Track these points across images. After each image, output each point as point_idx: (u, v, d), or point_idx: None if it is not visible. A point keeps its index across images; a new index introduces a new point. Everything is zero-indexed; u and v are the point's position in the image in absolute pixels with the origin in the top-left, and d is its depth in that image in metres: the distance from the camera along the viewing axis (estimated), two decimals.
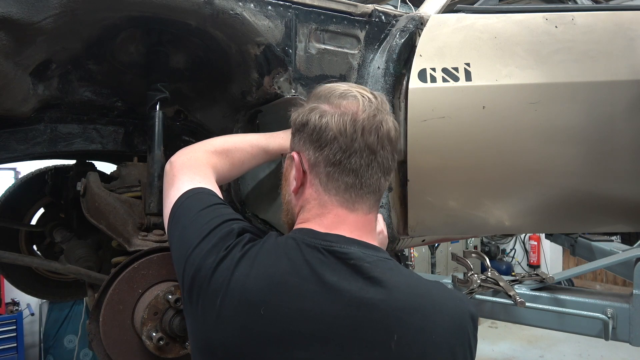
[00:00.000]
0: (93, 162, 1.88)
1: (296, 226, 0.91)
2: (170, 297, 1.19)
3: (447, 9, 1.83)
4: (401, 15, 1.72)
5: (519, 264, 7.57)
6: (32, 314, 4.25)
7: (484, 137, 1.66)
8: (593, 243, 2.87)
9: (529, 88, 1.66)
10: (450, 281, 1.96)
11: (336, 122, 0.84)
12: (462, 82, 1.62)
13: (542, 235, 6.63)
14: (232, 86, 1.65)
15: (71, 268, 1.53)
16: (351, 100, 0.87)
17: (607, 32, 1.75)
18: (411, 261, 5.56)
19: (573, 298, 1.76)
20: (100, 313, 1.19)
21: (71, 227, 1.86)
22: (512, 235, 7.43)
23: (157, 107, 1.45)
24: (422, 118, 1.61)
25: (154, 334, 1.17)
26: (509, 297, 1.73)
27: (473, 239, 6.40)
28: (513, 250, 7.66)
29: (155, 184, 1.42)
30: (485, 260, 2.02)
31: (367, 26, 1.64)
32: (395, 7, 2.75)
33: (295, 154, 0.88)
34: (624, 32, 1.75)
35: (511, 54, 1.67)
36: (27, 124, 1.46)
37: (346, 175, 0.85)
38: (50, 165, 2.15)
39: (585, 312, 1.68)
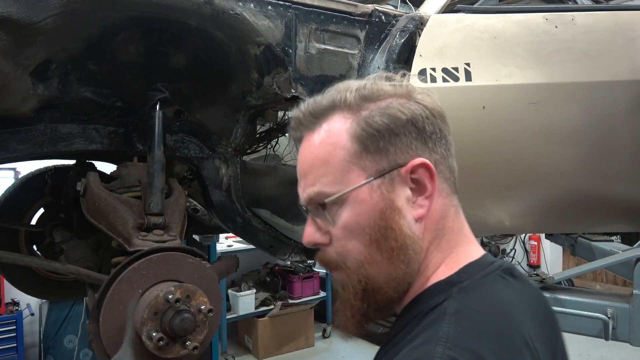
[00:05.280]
0: (93, 162, 1.88)
1: (449, 269, 0.64)
2: (170, 297, 1.19)
3: (447, 9, 1.83)
4: (401, 15, 1.72)
5: (519, 264, 7.56)
6: (32, 314, 4.24)
7: (484, 137, 1.66)
8: (593, 243, 2.87)
9: (529, 88, 1.66)
10: None
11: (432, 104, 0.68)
12: (462, 82, 1.62)
13: (542, 235, 6.62)
14: (232, 86, 1.65)
15: (71, 268, 1.53)
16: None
17: (607, 32, 1.75)
18: None
19: (573, 298, 1.75)
20: (100, 313, 1.19)
21: (71, 227, 1.85)
22: (512, 236, 7.43)
23: (157, 107, 1.45)
24: None
25: (154, 334, 1.16)
26: None
27: None
28: (513, 250, 7.66)
29: (155, 184, 1.42)
30: None
31: (367, 26, 1.64)
32: (395, 7, 2.75)
33: (423, 160, 0.64)
34: (624, 32, 1.75)
35: (511, 54, 1.67)
36: (27, 124, 1.46)
37: (452, 159, 0.72)
38: (50, 165, 2.15)
39: (585, 312, 1.68)
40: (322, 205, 0.65)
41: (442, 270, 0.65)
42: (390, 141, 0.63)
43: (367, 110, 0.65)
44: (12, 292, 4.09)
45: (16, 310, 4.13)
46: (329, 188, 0.64)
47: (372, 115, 0.64)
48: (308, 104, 0.69)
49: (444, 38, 1.67)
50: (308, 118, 0.68)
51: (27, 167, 2.20)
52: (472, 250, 0.68)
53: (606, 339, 1.68)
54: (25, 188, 2.18)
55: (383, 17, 1.67)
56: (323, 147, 0.65)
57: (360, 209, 0.63)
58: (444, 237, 0.66)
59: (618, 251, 2.43)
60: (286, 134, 2.53)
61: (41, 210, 2.20)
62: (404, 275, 0.64)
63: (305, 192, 0.67)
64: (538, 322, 0.63)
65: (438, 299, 0.60)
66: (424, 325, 0.58)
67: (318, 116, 0.67)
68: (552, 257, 7.17)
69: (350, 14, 1.60)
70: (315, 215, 0.68)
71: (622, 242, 2.90)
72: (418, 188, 0.64)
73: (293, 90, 1.49)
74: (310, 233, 0.69)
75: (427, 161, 0.64)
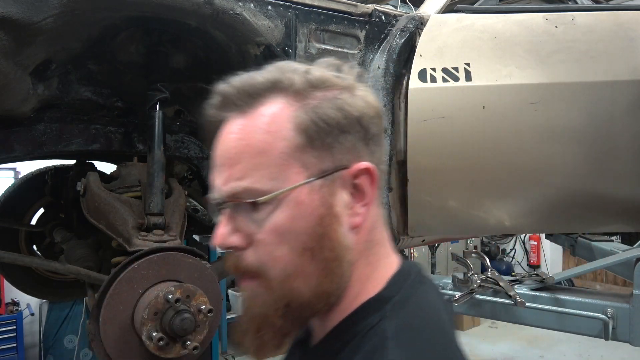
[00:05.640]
0: (93, 162, 1.88)
1: (378, 283, 0.59)
2: (170, 297, 1.19)
3: (447, 9, 1.83)
4: (401, 16, 1.72)
5: (519, 264, 7.56)
6: (32, 314, 4.25)
7: (484, 137, 1.66)
8: (593, 243, 2.87)
9: (529, 88, 1.66)
10: (450, 281, 1.96)
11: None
12: (462, 82, 1.62)
13: (542, 235, 6.62)
14: None
15: (71, 268, 1.53)
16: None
17: (607, 32, 1.75)
18: None
19: (573, 298, 1.75)
20: (100, 313, 1.19)
21: (71, 227, 1.86)
22: (512, 236, 7.43)
23: (157, 107, 1.45)
24: (422, 118, 1.61)
25: (154, 334, 1.16)
26: (509, 297, 1.73)
27: (473, 239, 6.40)
28: (513, 250, 7.66)
29: (155, 184, 1.42)
30: (485, 260, 2.02)
31: (367, 26, 1.64)
32: (395, 7, 2.75)
33: (368, 165, 0.57)
34: (624, 32, 1.75)
35: (511, 54, 1.67)
36: (27, 124, 1.46)
37: (384, 164, 0.66)
38: (50, 165, 2.15)
39: (585, 312, 1.68)
40: (251, 204, 0.54)
41: (372, 285, 0.59)
42: (338, 139, 0.56)
43: (315, 100, 0.56)
44: (12, 292, 4.09)
45: (16, 310, 4.13)
46: (263, 184, 0.54)
47: (322, 105, 0.56)
48: (242, 79, 0.57)
49: (444, 38, 1.67)
50: (241, 96, 0.56)
51: (27, 167, 2.20)
52: (394, 261, 0.63)
53: (606, 339, 1.67)
54: (25, 188, 2.18)
55: (383, 17, 1.67)
56: (259, 134, 0.54)
57: (297, 212, 0.54)
58: (372, 250, 0.60)
59: (618, 251, 2.43)
60: None
61: (41, 210, 2.20)
62: (336, 290, 0.57)
63: (227, 185, 0.55)
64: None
65: (373, 319, 0.55)
66: (366, 351, 0.53)
67: (255, 96, 0.56)
68: (552, 257, 7.17)
69: (350, 14, 1.60)
70: (236, 214, 0.56)
71: (622, 242, 2.90)
72: (357, 194, 0.57)
73: None
74: (225, 234, 0.57)
75: (372, 166, 0.57)
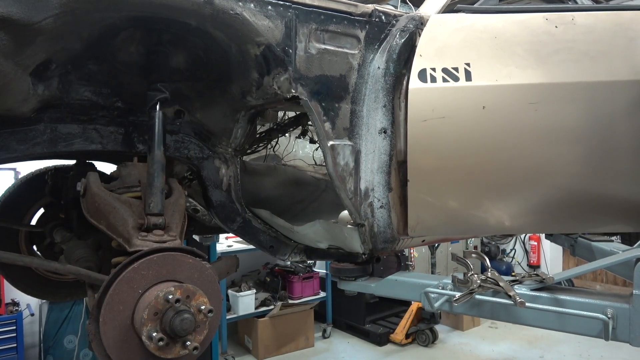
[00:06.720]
0: (93, 162, 1.88)
1: None
2: (170, 297, 1.19)
3: (447, 9, 1.83)
4: (401, 15, 1.72)
5: (519, 264, 7.57)
6: (32, 314, 4.25)
7: (484, 137, 1.66)
8: (593, 243, 2.87)
9: (529, 88, 1.66)
10: (450, 281, 1.96)
11: None
12: (462, 82, 1.62)
13: (542, 236, 6.63)
14: (232, 86, 1.65)
15: (71, 268, 1.52)
16: None
17: (607, 32, 1.75)
18: (411, 261, 5.56)
19: (573, 298, 1.75)
20: (100, 313, 1.18)
21: (71, 227, 1.85)
22: (512, 236, 7.43)
23: (157, 107, 1.45)
24: (422, 118, 1.61)
25: (154, 334, 1.16)
26: (509, 297, 1.73)
27: (473, 239, 6.40)
28: (513, 251, 7.66)
29: (155, 184, 1.42)
30: (485, 260, 2.02)
31: (367, 26, 1.64)
32: (396, 7, 2.74)
33: None
34: (624, 32, 1.75)
35: (511, 54, 1.67)
36: (27, 124, 1.46)
37: None
38: (50, 165, 2.15)
39: (585, 313, 1.68)
40: None
41: None
42: None
43: None
44: (12, 292, 4.09)
45: (16, 310, 4.13)
46: None
47: None
48: None
49: (444, 38, 1.67)
50: None
51: (27, 167, 2.20)
52: None
53: (606, 339, 1.67)
54: (25, 188, 2.18)
55: (383, 17, 1.67)
56: None
57: None
58: None
59: (618, 251, 2.43)
60: (286, 134, 2.53)
61: (41, 211, 2.20)
62: None
63: None
64: None
65: None
66: None
67: None
68: (552, 257, 7.18)
69: (350, 14, 1.60)
70: None
71: (622, 242, 2.90)
72: None
73: (293, 91, 1.49)
74: None
75: None
